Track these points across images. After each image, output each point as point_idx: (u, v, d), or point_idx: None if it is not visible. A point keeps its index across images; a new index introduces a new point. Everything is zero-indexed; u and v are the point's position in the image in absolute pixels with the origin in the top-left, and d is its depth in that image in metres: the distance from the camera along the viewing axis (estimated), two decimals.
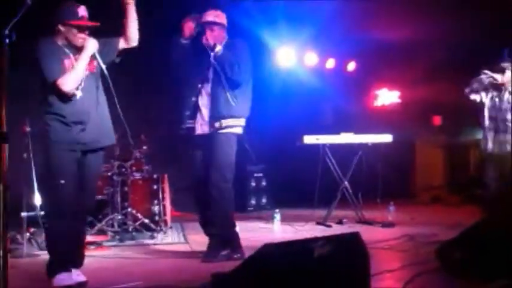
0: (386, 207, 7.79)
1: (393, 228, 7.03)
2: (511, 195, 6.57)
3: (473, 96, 6.72)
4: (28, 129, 5.65)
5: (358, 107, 11.00)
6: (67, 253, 4.21)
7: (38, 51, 4.06)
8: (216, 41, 5.15)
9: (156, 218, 6.97)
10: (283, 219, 7.62)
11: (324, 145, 7.48)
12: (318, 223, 7.46)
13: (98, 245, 5.94)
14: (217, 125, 5.18)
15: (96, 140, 4.27)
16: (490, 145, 6.56)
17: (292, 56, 10.40)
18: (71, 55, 4.16)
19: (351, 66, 11.12)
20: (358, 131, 7.76)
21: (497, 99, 6.62)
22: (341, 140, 7.54)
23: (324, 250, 2.80)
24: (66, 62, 4.12)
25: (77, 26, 4.10)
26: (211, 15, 5.18)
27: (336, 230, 6.97)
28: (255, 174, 9.98)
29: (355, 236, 3.08)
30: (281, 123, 10.16)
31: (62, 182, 4.06)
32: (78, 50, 4.15)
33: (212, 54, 5.13)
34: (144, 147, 7.12)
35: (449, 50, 10.74)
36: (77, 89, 4.12)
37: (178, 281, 4.07)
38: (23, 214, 5.60)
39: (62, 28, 4.11)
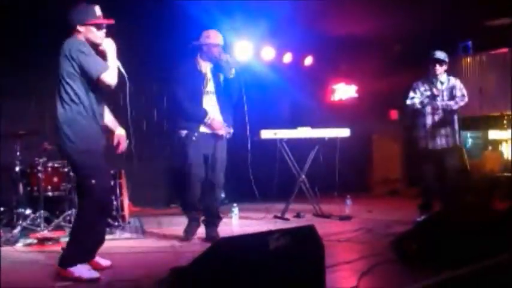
0: (344, 201, 7.87)
1: (350, 221, 7.10)
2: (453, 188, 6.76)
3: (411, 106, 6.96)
4: None
5: (315, 102, 11.06)
6: (91, 246, 4.35)
7: (79, 50, 4.14)
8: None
9: (114, 213, 6.90)
10: (242, 214, 7.62)
11: (281, 140, 7.49)
12: (276, 217, 7.48)
13: (56, 240, 5.82)
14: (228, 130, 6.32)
15: None
16: (426, 142, 6.89)
17: (249, 50, 10.37)
18: None
19: (308, 60, 11.17)
20: (315, 125, 7.79)
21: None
22: (298, 135, 7.56)
23: (279, 243, 2.79)
24: None
25: (95, 24, 4.25)
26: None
27: (293, 223, 7.00)
28: None
29: (310, 229, 3.08)
30: (238, 118, 10.11)
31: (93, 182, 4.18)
32: (95, 49, 4.30)
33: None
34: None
35: (405, 43, 10.88)
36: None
37: (136, 276, 4.03)
38: None
39: (81, 29, 4.25)
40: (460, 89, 6.82)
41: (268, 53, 10.70)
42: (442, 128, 6.83)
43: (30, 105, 8.15)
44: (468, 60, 11.13)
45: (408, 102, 7.04)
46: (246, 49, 10.33)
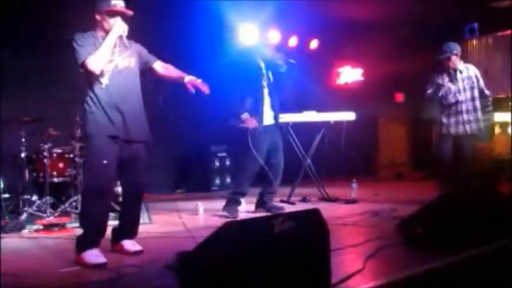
0: (349, 184, 7.85)
1: (356, 204, 7.10)
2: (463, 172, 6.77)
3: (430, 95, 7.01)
4: None
5: (321, 85, 11.01)
6: (94, 231, 4.30)
7: (73, 42, 4.26)
8: None
9: (120, 199, 6.89)
10: (248, 198, 7.60)
11: (286, 124, 7.46)
12: (282, 201, 7.47)
13: (62, 226, 5.83)
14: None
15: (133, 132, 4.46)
16: (445, 127, 6.98)
17: (255, 34, 10.31)
18: None
19: (314, 44, 11.09)
20: (321, 109, 7.75)
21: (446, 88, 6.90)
22: (304, 119, 7.53)
23: (284, 227, 2.78)
24: None
25: (107, 11, 4.33)
26: None
27: (299, 207, 7.00)
28: (219, 154, 9.97)
29: (315, 212, 3.07)
30: None
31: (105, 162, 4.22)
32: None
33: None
34: None
35: (412, 27, 10.82)
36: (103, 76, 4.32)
37: (142, 261, 4.04)
38: None
39: (98, 17, 4.38)
40: (478, 80, 6.87)
41: (274, 36, 10.64)
42: (465, 115, 6.88)
43: (35, 92, 8.14)
44: (474, 42, 11.06)
45: (429, 92, 7.10)
46: (251, 32, 10.27)
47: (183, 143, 10.11)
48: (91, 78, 4.30)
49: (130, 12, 4.43)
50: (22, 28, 7.72)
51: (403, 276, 3.24)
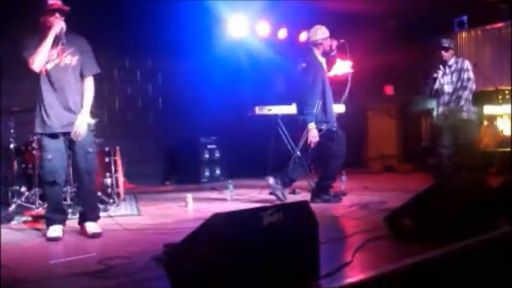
0: (339, 177, 7.86)
1: (345, 197, 7.10)
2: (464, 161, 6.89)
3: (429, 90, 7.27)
4: None
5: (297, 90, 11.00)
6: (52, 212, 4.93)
7: (19, 44, 4.66)
8: None
9: (109, 190, 6.92)
10: (237, 190, 7.62)
11: (276, 116, 7.46)
12: (271, 193, 7.47)
13: None
14: None
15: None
16: (442, 117, 7.18)
17: (244, 26, 10.30)
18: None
19: (303, 36, 11.08)
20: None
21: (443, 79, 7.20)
22: (293, 111, 7.52)
23: (273, 219, 2.79)
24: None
25: (46, 11, 4.63)
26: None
27: (288, 199, 7.01)
28: (208, 146, 9.97)
29: (303, 204, 3.08)
30: (233, 94, 10.11)
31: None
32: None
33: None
34: (95, 120, 7.00)
35: (402, 20, 10.83)
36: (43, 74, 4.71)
37: (130, 253, 4.03)
38: None
39: (41, 18, 4.67)
40: (466, 70, 7.13)
41: (263, 28, 10.63)
42: (454, 105, 7.14)
43: (24, 82, 8.08)
44: (463, 35, 11.11)
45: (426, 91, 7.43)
46: (241, 24, 10.26)
47: (173, 134, 10.10)
48: (40, 74, 4.68)
49: (66, 8, 4.66)
50: (14, 20, 7.67)
51: (392, 268, 3.25)
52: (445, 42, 7.24)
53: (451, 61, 7.23)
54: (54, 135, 4.79)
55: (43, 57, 4.59)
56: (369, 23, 10.46)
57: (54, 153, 4.79)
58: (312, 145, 6.53)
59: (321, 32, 6.71)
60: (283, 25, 10.85)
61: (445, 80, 7.18)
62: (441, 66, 7.20)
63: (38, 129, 4.80)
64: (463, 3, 10.11)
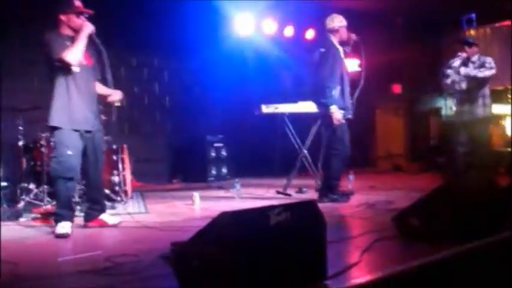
0: (346, 176, 7.84)
1: (353, 196, 7.08)
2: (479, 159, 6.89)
3: (448, 81, 7.30)
4: None
5: (315, 77, 10.98)
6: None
7: (45, 40, 4.78)
8: None
9: (116, 188, 6.94)
10: (244, 189, 7.62)
11: (282, 114, 7.45)
12: (278, 192, 7.48)
13: None
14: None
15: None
16: (458, 114, 7.31)
17: (251, 24, 10.29)
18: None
19: (310, 33, 11.07)
20: (315, 100, 7.73)
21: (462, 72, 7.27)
22: (300, 109, 7.51)
23: (280, 218, 2.78)
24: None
25: (74, 12, 4.89)
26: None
27: (295, 198, 7.01)
28: (215, 144, 9.99)
29: (311, 204, 3.07)
30: (240, 93, 10.11)
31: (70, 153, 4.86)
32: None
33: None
34: (103, 118, 7.02)
35: (409, 18, 10.80)
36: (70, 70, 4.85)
37: (138, 251, 4.03)
38: None
39: (63, 18, 4.90)
40: (489, 62, 7.29)
41: (270, 26, 10.62)
42: (470, 101, 7.27)
43: (33, 81, 8.13)
44: (472, 33, 11.05)
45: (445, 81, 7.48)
46: (247, 22, 10.25)
47: (180, 132, 10.13)
48: (58, 73, 4.83)
49: (91, 12, 4.97)
50: (21, 19, 7.73)
51: (400, 269, 3.24)
52: (469, 38, 7.44)
53: (475, 57, 7.33)
54: (75, 132, 4.92)
55: (80, 53, 4.83)
56: (376, 21, 10.44)
57: (74, 150, 4.90)
58: (336, 122, 6.51)
59: (338, 20, 6.78)
60: (290, 23, 10.83)
61: (465, 75, 7.24)
62: (457, 61, 7.24)
63: (61, 125, 4.86)
64: (472, 1, 10.07)
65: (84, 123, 4.99)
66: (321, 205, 3.18)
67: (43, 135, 6.62)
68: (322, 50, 6.70)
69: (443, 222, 4.00)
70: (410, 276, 3.22)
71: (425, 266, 3.33)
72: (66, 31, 4.94)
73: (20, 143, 6.57)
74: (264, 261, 2.69)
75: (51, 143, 6.72)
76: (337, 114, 6.47)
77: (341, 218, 5.50)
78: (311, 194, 7.32)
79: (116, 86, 5.31)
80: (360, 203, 6.40)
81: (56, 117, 4.86)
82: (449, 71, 7.32)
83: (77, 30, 4.89)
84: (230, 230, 2.64)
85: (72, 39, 4.87)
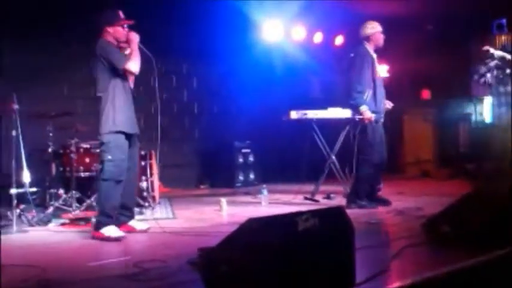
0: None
1: (389, 205, 7.00)
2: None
3: (482, 80, 7.18)
4: (16, 106, 5.74)
5: (345, 83, 10.95)
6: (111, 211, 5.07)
7: (106, 50, 5.03)
8: None
9: (144, 194, 6.98)
10: (271, 194, 7.60)
11: (311, 120, 7.42)
12: (306, 198, 7.45)
13: (87, 221, 5.90)
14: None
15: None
16: (493, 119, 7.02)
17: (280, 30, 10.29)
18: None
19: (339, 40, 11.04)
20: (346, 105, 7.68)
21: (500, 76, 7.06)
22: (328, 115, 7.46)
23: (308, 224, 2.76)
24: None
25: (121, 24, 5.17)
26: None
27: (323, 204, 6.97)
28: (243, 150, 9.99)
29: (339, 210, 3.05)
30: (268, 99, 10.11)
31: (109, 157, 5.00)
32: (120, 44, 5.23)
33: None
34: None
35: (438, 23, 10.70)
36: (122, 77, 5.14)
37: (165, 256, 4.05)
38: (13, 191, 5.56)
39: (110, 29, 5.14)
40: None
41: (299, 32, 10.61)
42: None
43: (63, 88, 8.26)
44: (502, 38, 10.89)
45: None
46: (276, 28, 10.26)
47: (207, 138, 10.16)
48: (116, 81, 5.05)
49: (132, 22, 5.24)
50: (53, 28, 7.84)
51: (430, 276, 3.20)
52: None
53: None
54: (127, 136, 5.12)
55: (139, 63, 5.12)
56: (405, 26, 10.35)
57: (126, 154, 5.11)
58: (367, 121, 6.59)
59: (370, 26, 6.83)
60: (319, 29, 10.81)
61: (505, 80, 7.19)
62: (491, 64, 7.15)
63: (118, 128, 5.02)
64: (502, 6, 9.94)
65: (133, 127, 5.21)
66: (349, 211, 3.16)
67: (72, 141, 6.69)
68: (351, 55, 6.81)
69: (473, 228, 3.95)
70: (440, 283, 3.17)
71: (455, 272, 3.29)
72: (112, 41, 5.16)
73: (50, 149, 6.64)
74: (292, 268, 2.67)
75: (80, 149, 6.84)
76: (367, 113, 6.56)
77: (369, 225, 5.44)
78: (339, 200, 7.27)
79: (145, 93, 5.42)
80: (389, 209, 6.35)
81: (114, 121, 5.01)
82: (484, 69, 7.22)
83: (120, 40, 5.18)
84: (258, 236, 2.64)
85: (120, 49, 5.17)
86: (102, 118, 5.01)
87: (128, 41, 5.18)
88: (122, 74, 5.09)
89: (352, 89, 6.65)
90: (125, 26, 5.20)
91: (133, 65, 5.06)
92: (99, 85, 5.07)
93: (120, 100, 5.07)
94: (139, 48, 5.16)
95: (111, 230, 4.89)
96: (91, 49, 5.10)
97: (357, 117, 6.66)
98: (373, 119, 6.59)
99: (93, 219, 5.21)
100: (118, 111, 5.03)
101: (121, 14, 5.24)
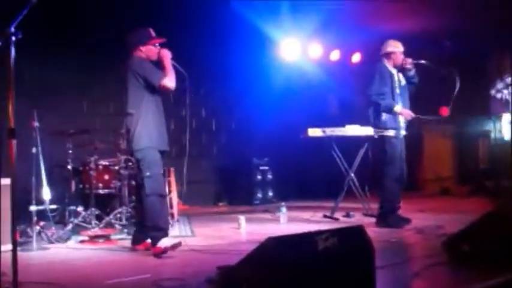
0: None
1: (410, 223, 6.94)
2: None
3: (498, 95, 7.10)
4: (36, 123, 5.83)
5: (363, 99, 10.93)
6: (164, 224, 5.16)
7: (140, 65, 5.13)
8: None
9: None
10: (290, 212, 7.56)
11: (329, 137, 7.40)
12: (325, 216, 7.41)
13: (106, 238, 5.95)
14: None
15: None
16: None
17: (297, 48, 10.33)
18: None
19: (356, 57, 11.04)
20: (364, 123, 7.66)
21: None
22: (347, 132, 7.44)
23: (328, 243, 2.76)
24: None
25: (153, 43, 5.26)
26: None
27: (342, 223, 6.92)
28: (261, 168, 9.98)
29: (359, 229, 3.04)
30: (286, 116, 10.11)
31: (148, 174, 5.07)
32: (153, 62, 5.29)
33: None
34: None
35: (456, 40, 10.65)
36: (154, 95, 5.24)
37: (184, 274, 4.05)
38: (32, 208, 5.59)
39: (143, 48, 5.24)
40: None
41: (316, 50, 10.63)
42: None
43: (82, 106, 8.33)
44: None
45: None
46: (294, 46, 10.30)
47: (226, 155, 10.16)
48: (150, 97, 5.14)
49: (164, 40, 5.32)
50: (72, 46, 7.92)
51: None
52: None
53: None
54: (161, 153, 5.24)
55: (174, 79, 5.17)
56: (423, 43, 10.32)
57: (162, 169, 5.25)
58: (410, 118, 6.75)
59: (393, 45, 6.87)
60: (336, 47, 10.81)
61: None
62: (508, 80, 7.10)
63: (155, 145, 5.14)
64: None
65: (165, 144, 5.32)
66: (369, 230, 3.13)
67: (92, 158, 6.73)
68: (371, 71, 6.86)
69: (494, 247, 3.90)
70: None
71: None
72: (146, 59, 5.24)
73: (69, 166, 6.68)
74: (312, 287, 2.66)
75: (100, 167, 6.88)
76: (405, 111, 6.70)
77: (390, 243, 5.40)
78: (358, 218, 7.23)
79: (165, 111, 5.44)
80: (409, 227, 6.29)
81: (149, 137, 5.10)
82: (501, 85, 7.16)
83: (151, 58, 5.25)
84: (278, 255, 2.63)
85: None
86: (135, 134, 5.07)
87: (160, 59, 5.24)
88: (156, 91, 5.16)
89: (372, 100, 6.70)
90: (157, 44, 5.27)
91: (169, 82, 5.12)
92: (130, 101, 5.13)
93: (154, 117, 5.16)
94: (172, 65, 5.23)
95: (165, 242, 4.96)
96: (120, 65, 5.24)
97: (376, 134, 6.63)
98: (412, 115, 6.73)
99: (148, 240, 5.15)
100: (152, 128, 5.12)
101: (152, 32, 5.32)
